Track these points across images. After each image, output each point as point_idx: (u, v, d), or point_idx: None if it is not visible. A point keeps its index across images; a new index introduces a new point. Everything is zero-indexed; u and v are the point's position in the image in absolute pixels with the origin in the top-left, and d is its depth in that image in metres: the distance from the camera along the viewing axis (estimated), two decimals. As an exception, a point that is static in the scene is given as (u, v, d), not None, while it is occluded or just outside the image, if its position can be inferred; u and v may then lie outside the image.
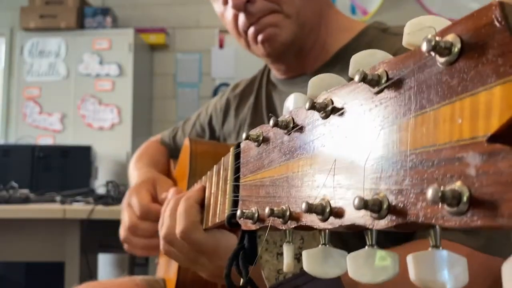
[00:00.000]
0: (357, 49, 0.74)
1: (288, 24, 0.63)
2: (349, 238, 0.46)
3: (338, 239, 0.44)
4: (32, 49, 2.81)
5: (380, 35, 0.64)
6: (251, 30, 0.64)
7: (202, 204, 0.48)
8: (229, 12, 0.65)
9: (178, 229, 0.46)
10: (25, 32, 2.83)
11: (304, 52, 0.67)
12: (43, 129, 2.77)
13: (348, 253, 0.23)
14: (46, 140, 2.74)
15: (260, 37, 0.64)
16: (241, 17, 0.64)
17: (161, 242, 0.52)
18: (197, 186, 0.51)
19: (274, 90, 0.76)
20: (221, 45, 3.08)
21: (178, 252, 0.49)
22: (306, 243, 0.33)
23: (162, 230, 0.50)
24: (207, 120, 0.89)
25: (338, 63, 0.66)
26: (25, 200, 1.79)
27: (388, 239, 0.53)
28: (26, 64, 2.80)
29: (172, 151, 0.95)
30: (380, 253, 0.20)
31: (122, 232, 0.73)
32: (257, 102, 0.78)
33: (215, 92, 3.03)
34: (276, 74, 0.75)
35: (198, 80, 3.09)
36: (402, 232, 0.27)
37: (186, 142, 0.76)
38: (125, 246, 0.74)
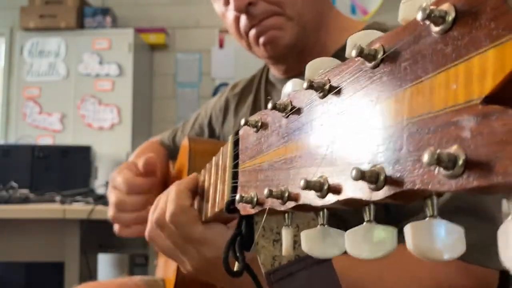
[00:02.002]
0: None
1: (290, 27, 0.63)
2: (351, 220, 0.46)
3: (340, 222, 0.44)
4: (32, 49, 2.82)
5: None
6: (253, 32, 0.64)
7: (194, 193, 0.48)
8: (231, 13, 0.65)
9: (168, 212, 0.46)
10: (25, 32, 2.84)
11: (305, 53, 0.67)
12: (43, 129, 2.77)
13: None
14: (46, 140, 2.74)
15: (262, 40, 0.64)
16: (243, 19, 0.64)
17: (150, 225, 0.51)
18: (191, 174, 0.51)
19: (273, 90, 0.76)
20: (221, 45, 3.08)
21: (166, 237, 0.49)
22: (301, 231, 0.33)
23: (155, 213, 0.50)
24: (206, 120, 0.89)
25: None
26: (25, 200, 1.79)
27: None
28: (26, 64, 2.80)
29: (171, 152, 0.95)
30: (378, 227, 0.20)
31: (110, 211, 0.72)
32: (256, 101, 0.78)
33: (215, 92, 3.03)
34: (275, 74, 0.75)
35: (198, 80, 3.09)
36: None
37: (185, 141, 0.76)
38: (116, 227, 0.73)
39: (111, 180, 0.73)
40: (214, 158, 0.46)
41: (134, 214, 0.69)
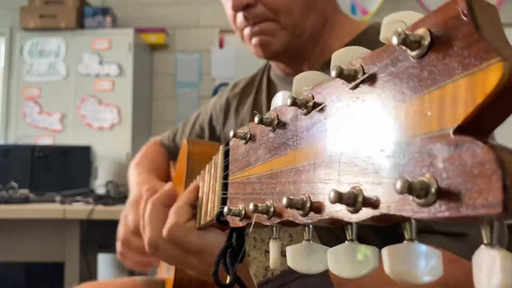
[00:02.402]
0: None
1: (282, 35, 0.64)
2: (341, 234, 0.46)
3: (331, 235, 0.44)
4: (32, 49, 2.82)
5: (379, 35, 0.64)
6: (247, 31, 0.65)
7: (194, 205, 0.48)
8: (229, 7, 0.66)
9: (165, 230, 0.46)
10: (25, 32, 2.84)
11: (304, 54, 0.68)
12: (43, 129, 2.77)
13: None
14: (45, 140, 2.74)
15: (253, 41, 0.65)
16: (239, 16, 0.65)
17: (147, 248, 0.51)
18: (190, 187, 0.51)
19: (274, 89, 0.76)
20: (221, 45, 3.08)
21: (164, 256, 0.49)
22: (294, 240, 0.33)
23: (145, 236, 0.50)
24: (207, 120, 0.88)
25: None
26: (25, 200, 1.79)
27: (383, 241, 0.52)
28: (26, 64, 2.80)
29: (172, 152, 0.95)
30: (360, 247, 0.20)
31: (118, 245, 0.74)
32: (257, 101, 0.78)
33: (215, 92, 3.03)
34: (276, 71, 0.75)
35: (198, 80, 3.09)
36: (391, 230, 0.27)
37: (184, 143, 0.76)
38: (120, 257, 0.75)
39: (126, 208, 0.74)
40: (207, 166, 0.46)
41: (138, 257, 0.70)
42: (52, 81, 2.79)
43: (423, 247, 0.16)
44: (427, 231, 0.46)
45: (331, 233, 0.46)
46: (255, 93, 0.79)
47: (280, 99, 0.28)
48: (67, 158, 2.35)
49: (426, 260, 0.16)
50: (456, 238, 0.45)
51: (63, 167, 2.33)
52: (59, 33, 2.79)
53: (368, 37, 0.65)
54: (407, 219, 0.16)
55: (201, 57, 3.09)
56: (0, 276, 2.32)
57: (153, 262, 0.72)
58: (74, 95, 2.77)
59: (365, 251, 0.20)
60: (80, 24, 2.82)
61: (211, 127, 0.87)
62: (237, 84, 0.86)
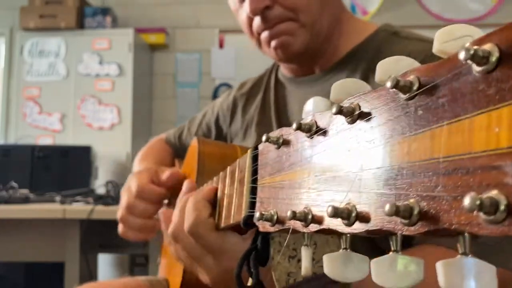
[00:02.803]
0: (367, 51, 0.73)
1: (303, 33, 0.63)
2: (381, 243, 0.46)
3: (367, 242, 0.43)
4: (32, 49, 2.81)
5: (390, 38, 0.65)
6: (265, 34, 0.64)
7: (212, 203, 0.47)
8: (244, 12, 0.65)
9: (186, 223, 0.46)
10: (25, 32, 2.82)
11: (317, 55, 0.68)
12: (43, 129, 2.76)
13: (354, 250, 0.23)
14: (46, 140, 2.73)
15: (273, 43, 0.64)
16: (257, 20, 0.64)
17: (167, 239, 0.51)
18: (208, 186, 0.50)
19: (283, 89, 0.76)
20: (221, 45, 3.08)
21: (183, 249, 0.48)
22: (318, 248, 0.33)
23: (170, 226, 0.50)
24: (213, 120, 0.88)
25: (348, 64, 0.66)
26: (25, 200, 1.79)
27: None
28: (26, 64, 2.79)
29: (177, 150, 0.95)
30: (404, 259, 0.20)
31: (119, 212, 0.72)
32: (265, 101, 0.78)
33: (215, 92, 3.03)
34: (285, 73, 0.75)
35: (198, 80, 3.09)
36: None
37: (194, 142, 0.76)
38: (120, 227, 0.72)
39: (127, 181, 0.74)
40: (228, 168, 0.45)
41: (141, 221, 0.69)
42: (52, 81, 2.78)
43: (477, 262, 0.16)
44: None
45: (369, 243, 0.46)
46: (263, 93, 0.79)
47: (312, 105, 0.28)
48: (67, 158, 2.34)
49: (480, 276, 0.16)
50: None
51: (63, 167, 2.32)
52: (59, 33, 2.79)
53: (378, 40, 0.66)
54: (463, 233, 0.16)
55: (201, 57, 3.08)
56: (0, 276, 2.31)
57: (156, 225, 0.70)
58: (74, 95, 2.76)
59: (409, 263, 0.20)
60: (80, 24, 2.81)
61: (218, 127, 0.87)
62: (244, 84, 0.86)
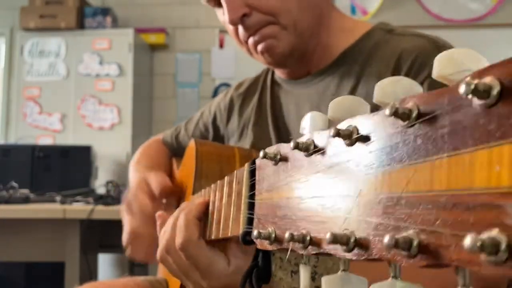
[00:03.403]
0: (363, 50, 0.73)
1: (285, 35, 0.64)
2: None
3: None
4: (32, 49, 2.80)
5: (385, 37, 0.64)
6: (251, 40, 0.65)
7: (201, 218, 0.49)
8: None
9: (177, 241, 0.48)
10: (25, 32, 2.82)
11: (306, 56, 0.67)
12: (43, 129, 2.76)
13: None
14: (46, 140, 2.73)
15: (259, 48, 0.65)
16: (240, 29, 0.65)
17: (159, 249, 0.53)
18: (199, 199, 0.52)
19: (279, 90, 0.76)
20: (221, 45, 3.07)
21: (173, 262, 0.50)
22: (321, 261, 0.33)
23: (163, 239, 0.52)
24: (211, 119, 0.88)
25: (343, 64, 0.66)
26: (25, 200, 1.79)
27: None
28: (26, 64, 2.79)
29: (174, 150, 0.95)
30: (403, 284, 0.20)
31: (125, 238, 0.73)
32: (261, 101, 0.78)
33: (215, 92, 3.02)
34: (280, 75, 0.75)
35: (198, 80, 3.09)
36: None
37: (192, 143, 0.75)
38: (128, 251, 0.74)
39: (126, 200, 0.74)
40: (226, 178, 0.45)
41: (149, 248, 0.70)
42: (52, 81, 2.78)
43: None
44: None
45: None
46: (259, 93, 0.79)
47: (309, 121, 0.28)
48: (67, 158, 2.34)
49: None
50: None
51: (63, 167, 2.32)
52: (59, 33, 2.78)
53: (374, 39, 0.65)
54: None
55: (201, 57, 3.08)
56: (0, 276, 2.31)
57: None
58: (74, 95, 2.76)
59: (408, 288, 0.20)
60: (80, 24, 2.81)
61: (215, 127, 0.87)
62: (242, 84, 0.86)
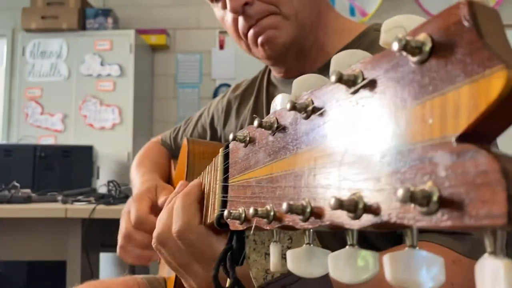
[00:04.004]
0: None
1: (287, 26, 0.63)
2: (344, 235, 0.45)
3: (332, 236, 0.43)
4: (34, 50, 2.82)
5: (379, 37, 0.64)
6: (251, 32, 0.64)
7: (201, 202, 0.44)
8: (229, 15, 0.65)
9: (174, 227, 0.42)
10: (26, 33, 2.84)
11: (304, 52, 0.67)
12: (44, 129, 2.78)
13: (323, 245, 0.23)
14: (47, 140, 2.75)
15: (260, 39, 0.64)
16: (241, 20, 0.64)
17: (153, 241, 0.47)
18: (194, 182, 0.47)
19: (274, 91, 0.76)
20: (221, 46, 3.08)
21: (169, 253, 0.45)
22: (294, 242, 0.33)
23: (156, 228, 0.47)
24: (208, 121, 0.88)
25: None
26: (27, 199, 1.79)
27: (387, 242, 0.52)
28: (27, 65, 2.81)
29: (173, 151, 0.95)
30: (361, 252, 0.20)
31: (119, 240, 0.73)
32: (257, 103, 0.78)
33: (215, 93, 3.03)
34: (276, 75, 0.75)
35: (198, 81, 3.10)
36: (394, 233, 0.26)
37: (184, 142, 0.76)
38: (120, 252, 0.74)
39: (128, 203, 0.74)
40: (207, 167, 0.45)
41: (138, 251, 0.70)
42: (54, 82, 2.79)
43: (425, 254, 0.16)
44: (429, 230, 0.45)
45: (332, 234, 0.45)
46: (256, 94, 0.79)
47: (279, 102, 0.28)
48: (69, 158, 2.35)
49: (428, 268, 0.16)
50: (458, 237, 0.44)
51: (65, 167, 2.33)
52: (60, 34, 2.80)
53: (368, 39, 0.65)
54: (409, 227, 0.16)
55: (201, 58, 3.09)
56: (2, 275, 2.33)
57: (153, 256, 0.71)
58: (76, 95, 2.78)
59: (365, 257, 0.20)
60: (82, 25, 2.83)
61: (213, 128, 0.87)
62: (239, 85, 0.86)
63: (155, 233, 0.47)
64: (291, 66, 0.69)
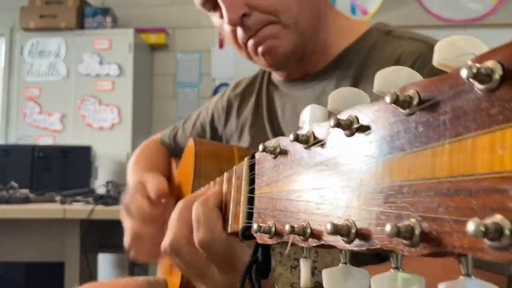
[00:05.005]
0: (360, 51, 0.72)
1: (287, 34, 0.62)
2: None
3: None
4: (32, 49, 2.81)
5: (383, 38, 0.63)
6: (251, 42, 0.63)
7: (220, 209, 0.43)
8: (227, 26, 0.64)
9: (198, 237, 0.41)
10: (25, 32, 2.82)
11: (305, 57, 0.66)
12: (43, 129, 2.76)
13: (358, 265, 0.23)
14: (46, 140, 2.73)
15: (260, 49, 0.63)
16: (239, 31, 0.63)
17: (164, 250, 0.46)
18: (213, 189, 0.46)
19: (275, 91, 0.75)
20: (221, 45, 3.07)
21: (184, 261, 0.44)
22: (320, 256, 0.33)
23: (167, 237, 0.45)
24: (208, 120, 0.88)
25: (341, 65, 0.65)
26: (25, 200, 1.78)
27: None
28: (26, 64, 2.79)
29: (172, 150, 0.94)
30: (405, 276, 0.20)
31: (127, 240, 0.73)
32: (258, 102, 0.78)
33: (215, 92, 3.02)
34: (277, 77, 0.75)
35: (198, 80, 3.09)
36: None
37: (190, 143, 0.75)
38: (131, 254, 0.74)
39: (124, 204, 0.74)
40: (225, 174, 0.45)
41: (151, 247, 0.69)
42: (52, 81, 2.78)
43: (479, 284, 0.16)
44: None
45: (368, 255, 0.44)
46: (256, 94, 0.79)
47: (309, 114, 0.28)
48: (67, 158, 2.34)
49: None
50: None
51: (63, 167, 2.32)
52: (59, 33, 2.79)
53: (371, 40, 0.64)
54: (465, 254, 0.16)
55: (201, 57, 3.08)
56: (0, 276, 2.31)
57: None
58: (75, 95, 2.76)
59: (410, 280, 0.20)
60: (80, 24, 2.81)
61: (213, 127, 0.87)
62: (239, 84, 0.85)
63: (167, 242, 0.46)
64: (292, 70, 0.69)
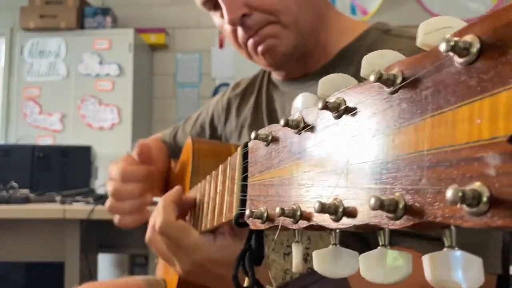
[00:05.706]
0: (359, 50, 0.72)
1: (287, 34, 0.62)
2: (368, 236, 0.46)
3: (356, 237, 0.44)
4: (32, 49, 2.81)
5: (382, 37, 0.64)
6: (250, 42, 0.64)
7: (180, 203, 0.52)
8: (227, 25, 0.64)
9: (156, 225, 0.50)
10: (25, 32, 2.83)
11: (305, 56, 0.67)
12: (43, 129, 2.77)
13: (346, 246, 0.23)
14: (46, 140, 2.74)
15: (260, 49, 0.64)
16: (239, 31, 0.63)
17: (149, 230, 0.55)
18: (178, 186, 0.54)
19: (275, 91, 0.76)
20: (221, 45, 3.08)
21: (157, 250, 0.54)
22: (312, 243, 0.33)
23: (151, 220, 0.54)
24: (208, 120, 0.88)
25: (340, 63, 0.65)
26: (25, 200, 1.78)
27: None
28: (26, 64, 2.80)
29: (172, 150, 0.95)
30: (393, 253, 0.20)
31: (108, 202, 0.73)
32: (258, 102, 0.78)
33: (215, 92, 3.03)
34: (277, 77, 0.75)
35: (198, 80, 3.09)
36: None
37: (188, 141, 0.76)
38: (115, 218, 0.74)
39: (109, 173, 0.75)
40: (220, 167, 0.45)
41: (131, 202, 0.71)
42: (52, 81, 2.79)
43: (463, 255, 0.16)
44: (405, 234, 0.46)
45: (357, 236, 0.46)
46: (256, 94, 0.79)
47: (301, 101, 0.28)
48: (67, 158, 2.34)
49: (467, 268, 0.16)
50: (432, 242, 0.44)
51: (63, 167, 2.33)
52: (59, 33, 2.79)
53: (370, 39, 0.65)
54: (448, 226, 0.16)
55: (201, 57, 3.09)
56: (0, 276, 2.31)
57: (147, 201, 0.72)
58: (75, 95, 2.77)
59: (398, 257, 0.20)
60: (80, 24, 2.82)
61: (212, 127, 0.87)
62: (239, 84, 0.86)
63: (151, 224, 0.54)
64: (292, 69, 0.69)
